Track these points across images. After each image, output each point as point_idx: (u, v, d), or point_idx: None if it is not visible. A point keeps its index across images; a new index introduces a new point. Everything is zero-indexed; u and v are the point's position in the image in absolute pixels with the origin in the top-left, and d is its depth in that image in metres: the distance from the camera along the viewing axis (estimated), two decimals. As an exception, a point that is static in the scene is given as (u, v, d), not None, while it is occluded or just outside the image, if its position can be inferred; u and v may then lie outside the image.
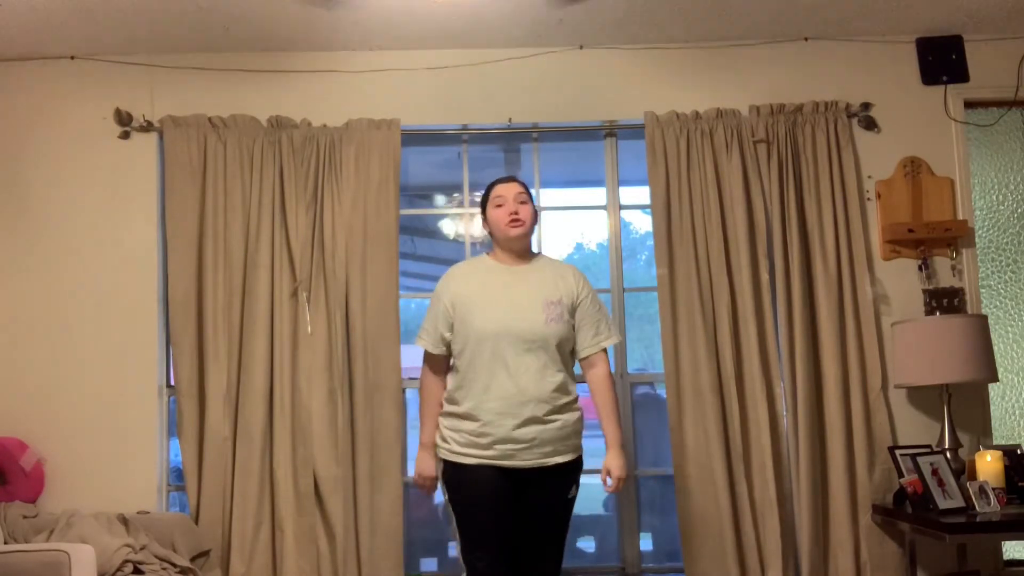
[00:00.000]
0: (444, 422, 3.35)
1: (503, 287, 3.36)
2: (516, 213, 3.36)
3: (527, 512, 3.33)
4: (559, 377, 3.30)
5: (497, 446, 3.24)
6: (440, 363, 3.42)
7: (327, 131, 4.20)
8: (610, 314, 4.33)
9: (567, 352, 3.39)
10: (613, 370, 4.28)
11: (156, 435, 4.13)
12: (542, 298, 3.33)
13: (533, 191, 4.44)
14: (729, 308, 4.07)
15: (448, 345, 3.38)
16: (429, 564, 4.41)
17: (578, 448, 3.38)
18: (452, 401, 3.35)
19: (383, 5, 3.90)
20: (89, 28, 4.03)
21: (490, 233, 3.47)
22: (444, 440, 3.34)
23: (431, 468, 3.36)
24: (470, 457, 3.26)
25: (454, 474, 3.29)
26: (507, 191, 3.41)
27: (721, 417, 4.02)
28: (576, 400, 3.40)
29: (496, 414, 3.23)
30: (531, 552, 3.34)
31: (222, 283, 4.09)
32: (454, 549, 3.49)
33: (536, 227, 3.57)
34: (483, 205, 3.49)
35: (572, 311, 3.38)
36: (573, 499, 3.40)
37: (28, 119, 4.26)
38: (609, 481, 3.35)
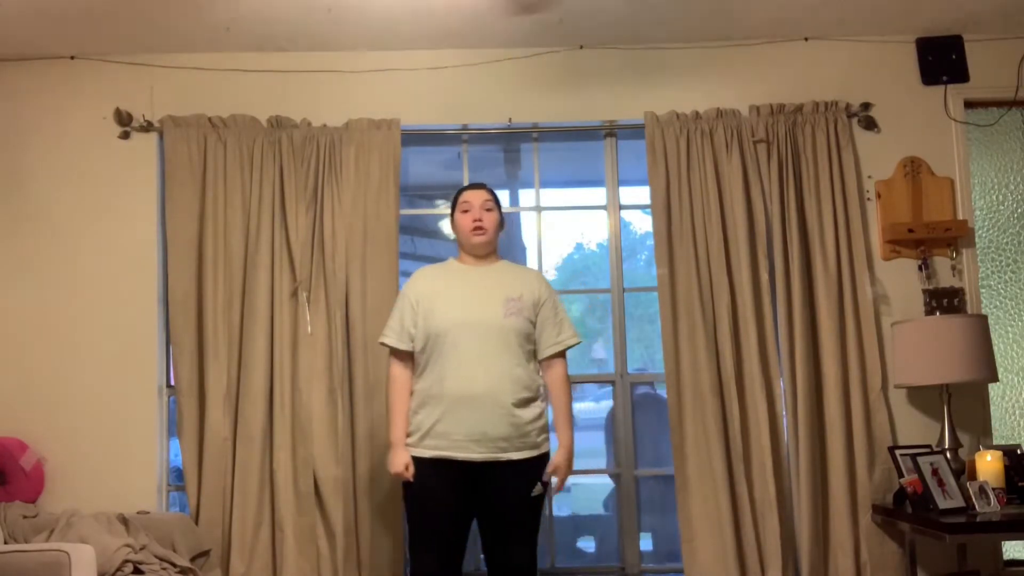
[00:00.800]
0: (412, 417, 3.39)
1: (464, 284, 3.44)
2: (480, 220, 3.45)
3: (488, 510, 3.34)
4: (517, 372, 3.33)
5: (450, 437, 3.27)
6: (406, 359, 3.46)
7: (327, 131, 4.20)
8: (610, 315, 4.34)
9: (528, 349, 3.40)
10: (613, 370, 4.31)
11: (156, 435, 4.13)
12: (502, 294, 3.39)
13: (532, 191, 4.46)
14: (729, 308, 4.07)
15: (413, 341, 3.42)
16: (429, 564, 4.40)
17: (538, 446, 3.36)
18: (416, 396, 3.40)
19: (383, 5, 3.90)
20: (89, 28, 4.03)
21: (456, 236, 3.56)
22: (408, 434, 3.38)
23: (401, 464, 3.33)
24: (425, 448, 3.31)
25: (417, 479, 3.31)
26: (474, 198, 3.49)
27: (721, 417, 4.02)
28: (537, 398, 3.39)
29: (449, 405, 3.28)
30: (499, 553, 3.34)
31: (222, 283, 4.09)
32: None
33: (501, 234, 3.58)
34: (452, 208, 3.56)
35: (534, 311, 3.42)
36: (539, 499, 3.37)
37: (28, 119, 4.26)
38: (554, 480, 3.37)
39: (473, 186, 3.58)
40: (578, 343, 3.52)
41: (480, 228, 3.45)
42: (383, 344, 3.49)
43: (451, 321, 3.34)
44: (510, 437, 3.28)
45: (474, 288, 3.42)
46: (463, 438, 3.27)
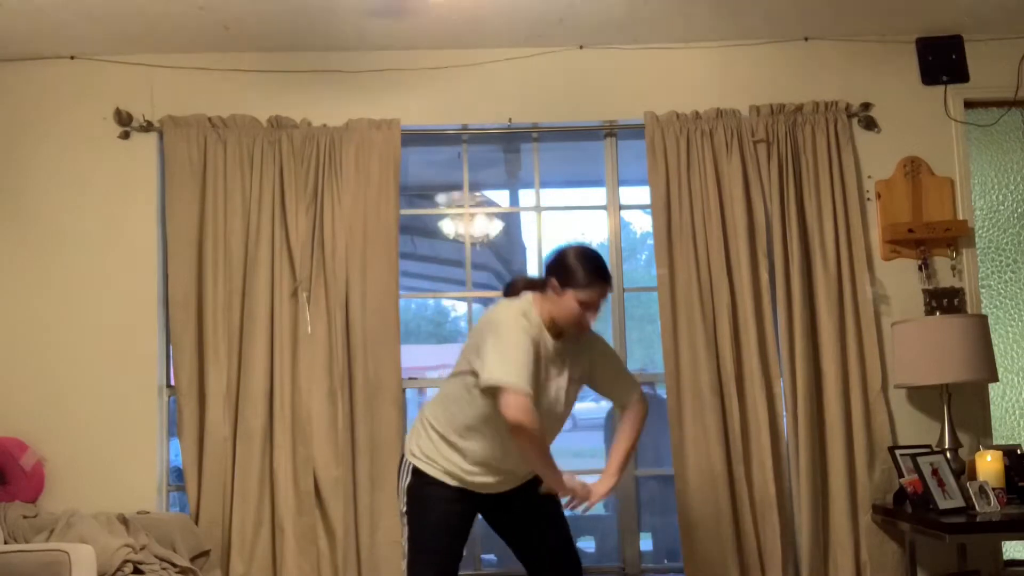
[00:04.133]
0: (435, 442, 3.07)
1: (552, 365, 3.03)
2: (591, 321, 3.02)
3: (525, 524, 3.17)
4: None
5: (480, 482, 3.07)
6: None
7: (327, 131, 4.20)
8: (610, 315, 4.34)
9: None
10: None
11: (156, 435, 4.13)
12: (572, 376, 3.10)
13: (532, 191, 4.46)
14: (729, 308, 4.07)
15: None
16: (429, 564, 4.40)
17: None
18: (455, 433, 3.04)
19: (383, 5, 3.90)
20: (89, 28, 4.03)
21: (548, 295, 3.00)
22: (426, 456, 3.08)
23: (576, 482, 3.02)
24: (450, 478, 3.06)
25: (423, 490, 3.08)
26: (599, 298, 2.99)
27: (721, 417, 4.02)
28: None
29: (493, 468, 3.05)
30: (556, 559, 3.16)
31: (222, 283, 4.09)
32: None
33: None
34: (565, 277, 2.96)
35: (590, 375, 3.17)
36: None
37: (28, 119, 4.26)
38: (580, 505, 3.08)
39: (604, 280, 2.99)
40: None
41: (586, 329, 3.03)
42: (506, 386, 2.81)
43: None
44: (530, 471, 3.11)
45: (557, 373, 3.04)
46: (489, 483, 3.08)
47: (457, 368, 3.09)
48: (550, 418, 3.05)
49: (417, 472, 3.09)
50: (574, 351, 3.08)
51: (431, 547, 3.07)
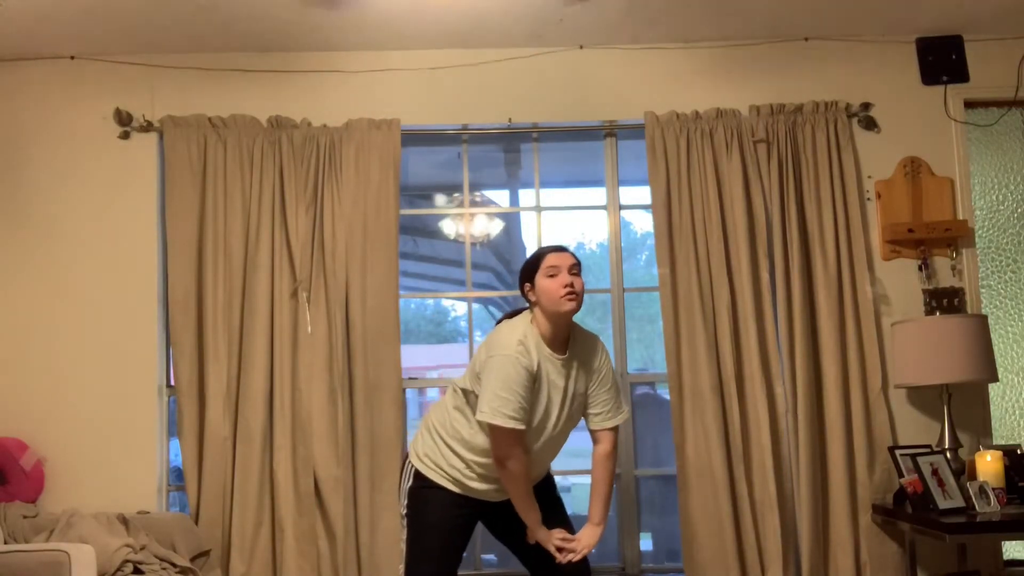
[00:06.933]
0: (439, 447, 3.13)
1: (556, 390, 3.11)
2: (571, 285, 3.06)
3: (517, 528, 3.17)
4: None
5: (479, 486, 3.12)
6: (524, 437, 3.04)
7: (327, 131, 4.20)
8: (610, 315, 4.34)
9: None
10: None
11: (156, 435, 4.13)
12: (578, 396, 3.16)
13: (532, 191, 4.46)
14: (729, 308, 4.07)
15: None
16: (429, 564, 4.40)
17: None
18: (458, 442, 3.11)
19: (383, 5, 3.90)
20: (89, 28, 4.03)
21: (533, 302, 3.12)
22: (430, 460, 3.13)
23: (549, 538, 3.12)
24: (453, 485, 3.11)
25: (424, 494, 3.12)
26: (561, 261, 3.09)
27: (721, 417, 4.02)
28: None
29: (493, 481, 3.11)
30: (563, 566, 3.16)
31: (222, 283, 4.09)
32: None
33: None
34: (529, 273, 3.12)
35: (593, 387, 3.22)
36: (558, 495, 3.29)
37: (28, 119, 4.26)
38: (567, 553, 3.12)
39: (556, 248, 3.14)
40: (626, 419, 3.25)
41: (572, 294, 3.04)
42: (500, 425, 2.95)
43: (535, 430, 3.07)
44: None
45: (557, 390, 3.10)
46: (487, 493, 3.14)
47: (462, 381, 3.15)
48: (555, 433, 3.12)
49: (419, 475, 3.14)
50: (579, 363, 3.14)
51: (431, 550, 3.10)
